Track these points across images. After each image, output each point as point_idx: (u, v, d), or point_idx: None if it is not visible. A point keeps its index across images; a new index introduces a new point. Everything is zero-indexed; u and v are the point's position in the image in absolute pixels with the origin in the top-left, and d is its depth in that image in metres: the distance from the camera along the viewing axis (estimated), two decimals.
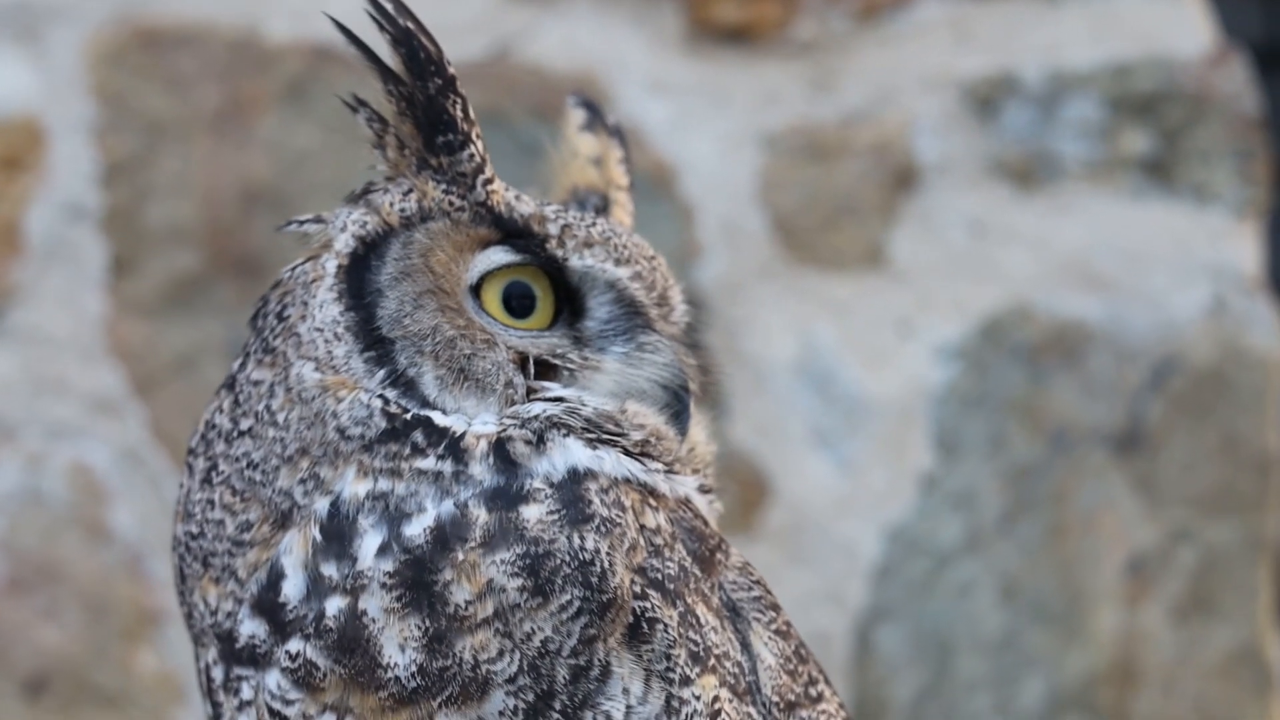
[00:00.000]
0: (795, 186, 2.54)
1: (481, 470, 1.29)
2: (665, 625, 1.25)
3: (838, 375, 2.52)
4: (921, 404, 2.53)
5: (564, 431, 1.32)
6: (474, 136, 1.34)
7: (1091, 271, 2.52)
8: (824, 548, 2.51)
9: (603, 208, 1.51)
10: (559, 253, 1.35)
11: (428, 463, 1.30)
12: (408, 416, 1.32)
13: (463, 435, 1.31)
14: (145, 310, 2.54)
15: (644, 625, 1.25)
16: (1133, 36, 2.55)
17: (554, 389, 1.34)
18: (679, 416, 1.37)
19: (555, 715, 1.23)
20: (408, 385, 1.33)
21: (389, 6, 1.34)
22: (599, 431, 1.33)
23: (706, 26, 2.54)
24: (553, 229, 1.35)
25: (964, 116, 2.54)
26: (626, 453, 1.33)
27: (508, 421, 1.32)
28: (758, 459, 2.50)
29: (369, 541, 1.28)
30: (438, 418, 1.32)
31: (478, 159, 1.34)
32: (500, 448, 1.30)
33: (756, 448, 2.50)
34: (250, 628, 1.30)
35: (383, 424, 1.31)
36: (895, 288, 2.54)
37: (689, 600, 1.27)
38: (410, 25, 1.33)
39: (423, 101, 1.33)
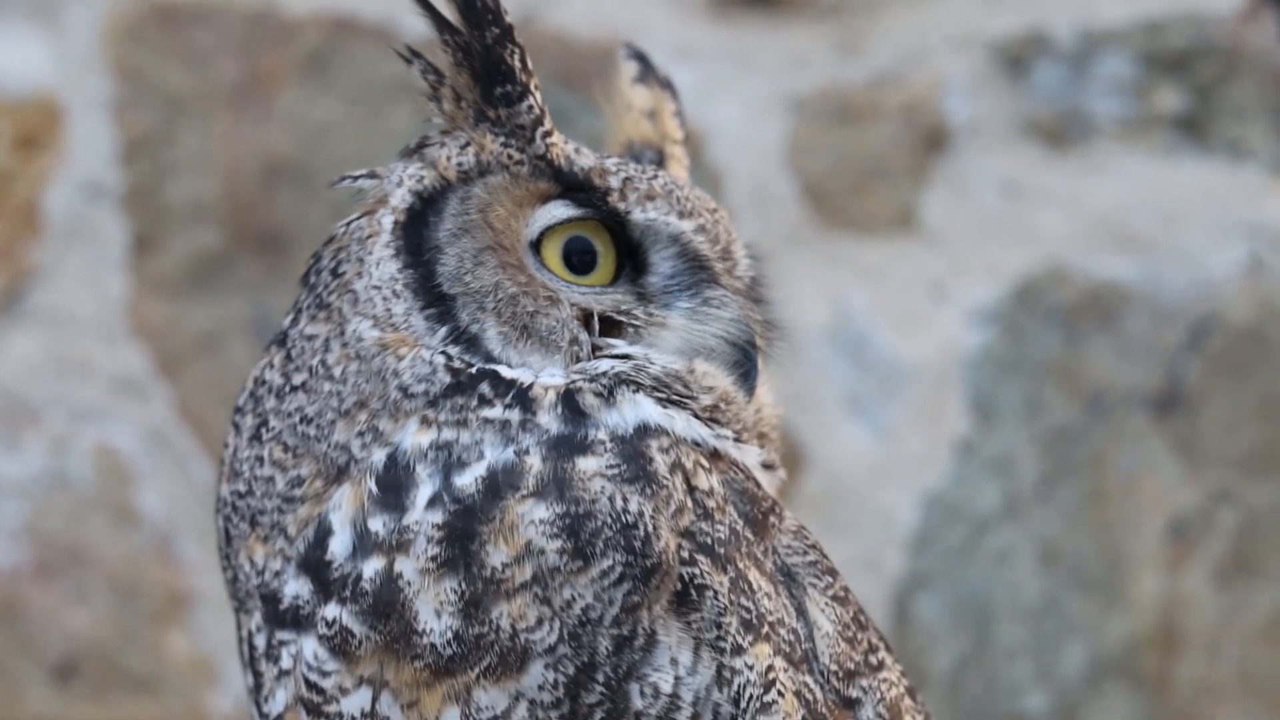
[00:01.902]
0: (824, 150, 2.51)
1: (549, 419, 1.26)
2: (715, 592, 1.21)
3: (871, 341, 2.50)
4: (956, 369, 2.50)
5: (634, 388, 1.29)
6: (533, 88, 1.32)
7: (1126, 231, 2.50)
8: (861, 516, 2.49)
9: (658, 162, 1.49)
10: (621, 206, 1.33)
11: (495, 411, 1.27)
12: (473, 370, 1.29)
13: (531, 385, 1.28)
14: (168, 289, 2.51)
15: (693, 592, 1.21)
16: None
17: (620, 346, 1.32)
18: (747, 375, 1.35)
19: (598, 689, 1.20)
20: (471, 342, 1.30)
21: None
22: (669, 391, 1.30)
23: None
24: (614, 182, 1.33)
25: (994, 76, 2.51)
26: (696, 416, 1.30)
27: (575, 376, 1.29)
28: (792, 427, 2.47)
29: (423, 492, 1.25)
30: (504, 371, 1.29)
31: (537, 110, 1.32)
32: (569, 398, 1.28)
33: (791, 416, 2.47)
34: (295, 587, 1.28)
35: (447, 379, 1.29)
36: (927, 251, 2.51)
37: (740, 565, 1.24)
38: None
39: (480, 51, 1.31)
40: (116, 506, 2.50)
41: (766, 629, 1.23)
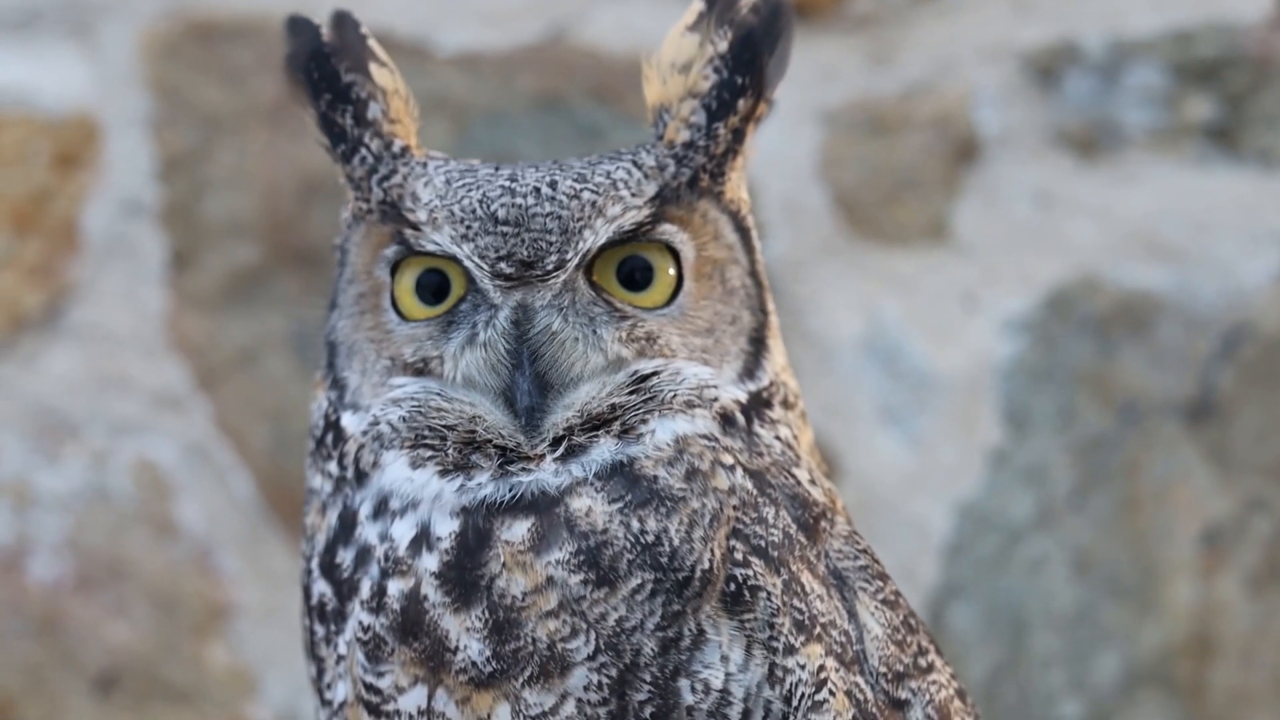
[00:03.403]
0: (856, 162, 2.52)
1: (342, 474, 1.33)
2: (768, 593, 1.23)
3: (904, 351, 2.51)
4: (989, 378, 2.51)
5: (390, 444, 1.30)
6: (366, 139, 1.34)
7: (1158, 240, 2.50)
8: (894, 525, 2.50)
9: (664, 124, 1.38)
10: (414, 238, 1.31)
11: (331, 466, 1.33)
12: (333, 418, 1.34)
13: (350, 438, 1.33)
14: (206, 304, 2.53)
15: (746, 593, 1.22)
16: (1193, 2, 2.52)
17: (404, 383, 1.32)
18: (511, 406, 1.29)
19: (646, 687, 1.21)
20: (341, 388, 1.35)
21: (292, 26, 1.39)
22: (427, 440, 1.30)
23: None
24: (422, 215, 1.30)
25: (1025, 87, 2.52)
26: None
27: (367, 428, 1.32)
28: (826, 437, 2.48)
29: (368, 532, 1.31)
30: (344, 418, 1.33)
31: (370, 161, 1.33)
32: (352, 453, 1.32)
33: (825, 426, 2.48)
34: (320, 587, 1.31)
35: (320, 425, 1.35)
36: (960, 261, 2.52)
37: (794, 568, 1.25)
38: (300, 45, 1.37)
39: (318, 119, 1.36)
40: (156, 520, 2.52)
41: (819, 630, 1.24)
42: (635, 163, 1.31)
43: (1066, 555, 2.49)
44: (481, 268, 1.27)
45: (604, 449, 1.26)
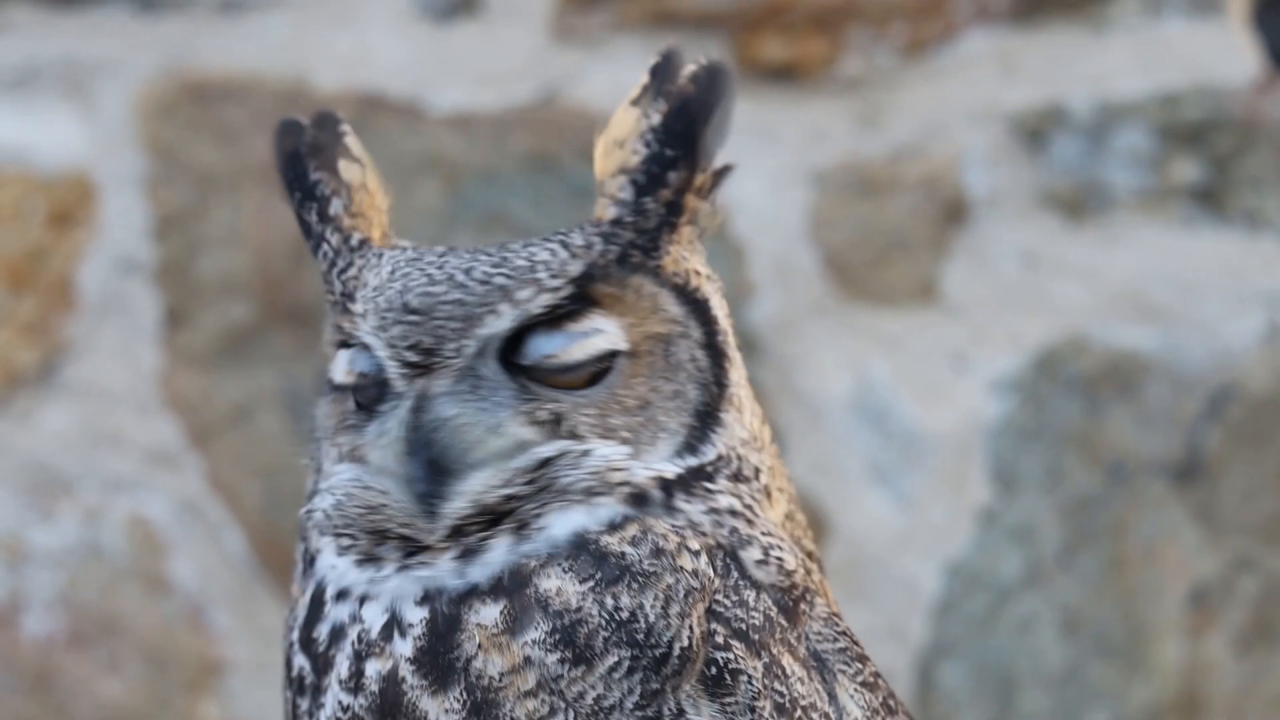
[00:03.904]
0: (846, 223, 2.54)
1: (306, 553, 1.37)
2: (749, 677, 1.23)
3: (893, 411, 2.52)
4: (978, 438, 2.52)
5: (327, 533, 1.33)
6: (326, 235, 1.36)
7: (1145, 301, 2.52)
8: (884, 584, 2.51)
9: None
10: (350, 329, 1.32)
11: (302, 545, 1.36)
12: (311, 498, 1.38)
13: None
14: (200, 362, 2.55)
15: (727, 676, 1.23)
16: (1180, 65, 2.54)
17: (340, 470, 1.33)
18: (409, 489, 1.29)
19: None
20: (319, 471, 1.39)
21: (281, 129, 1.40)
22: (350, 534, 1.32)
23: (753, 65, 2.55)
24: (358, 307, 1.31)
25: (1013, 148, 2.54)
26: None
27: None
28: (816, 496, 2.49)
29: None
30: (315, 500, 1.36)
31: (330, 255, 1.35)
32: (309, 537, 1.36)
33: (814, 485, 2.49)
34: (300, 660, 1.31)
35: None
36: (948, 322, 2.53)
37: (774, 651, 1.26)
38: (284, 146, 1.39)
39: (299, 221, 1.39)
40: (149, 576, 2.53)
41: (799, 713, 1.24)
42: (564, 243, 1.29)
43: (1055, 614, 2.50)
44: (389, 357, 1.27)
45: (499, 551, 1.26)
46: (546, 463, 1.27)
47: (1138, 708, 2.49)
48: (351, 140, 1.41)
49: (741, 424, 1.35)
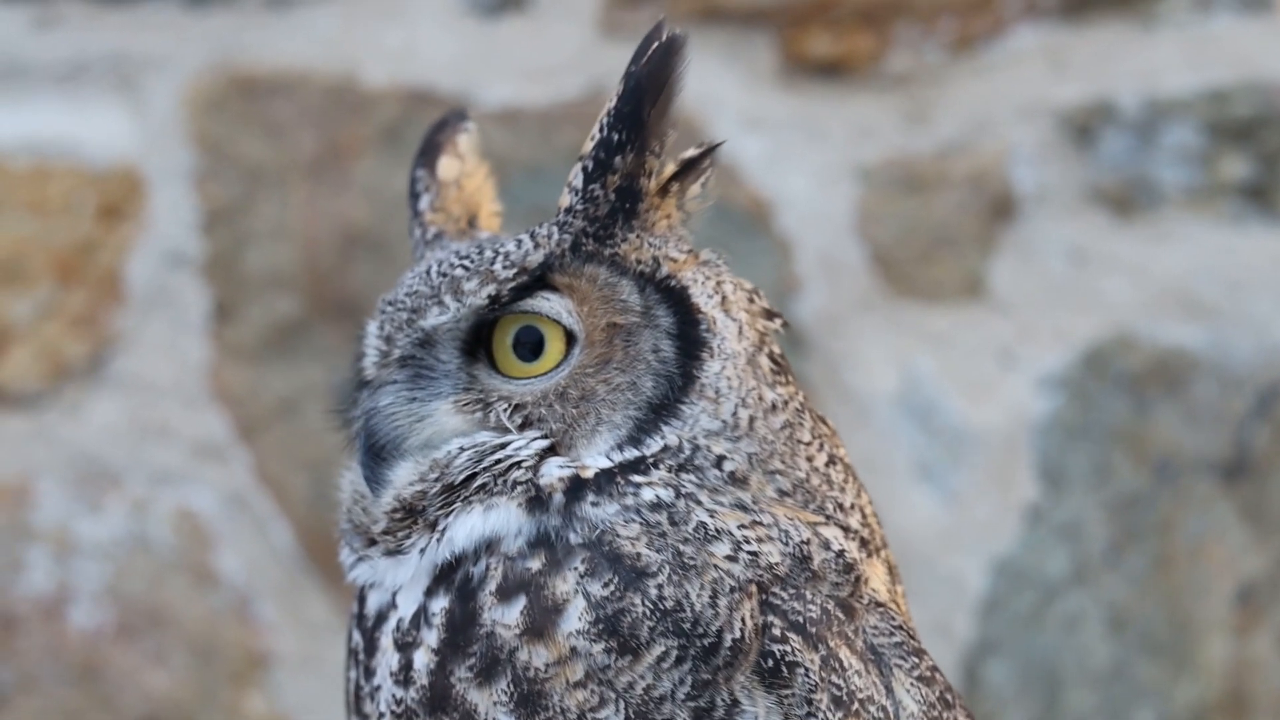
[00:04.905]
0: (892, 219, 2.53)
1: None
2: (806, 669, 1.23)
3: (940, 407, 2.51)
4: (1025, 435, 2.51)
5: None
6: (413, 230, 1.45)
7: (1193, 299, 2.51)
8: (930, 581, 2.50)
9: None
10: None
11: None
12: None
13: None
14: (247, 355, 2.55)
15: (784, 669, 1.23)
16: (1229, 62, 2.53)
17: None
18: (366, 480, 1.33)
19: None
20: None
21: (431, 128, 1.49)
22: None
23: (800, 61, 2.55)
24: None
25: (1061, 145, 2.53)
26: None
27: None
28: None
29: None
30: None
31: (416, 249, 1.45)
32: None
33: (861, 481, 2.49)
34: (356, 638, 1.34)
35: None
36: (996, 318, 2.53)
37: (832, 644, 1.26)
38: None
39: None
40: (196, 568, 2.54)
41: (856, 705, 1.24)
42: (533, 234, 1.30)
43: (1102, 612, 2.49)
44: (367, 347, 1.33)
45: (413, 556, 1.29)
46: (458, 455, 1.29)
47: (1184, 706, 2.48)
48: (465, 137, 1.44)
49: (716, 415, 1.30)
